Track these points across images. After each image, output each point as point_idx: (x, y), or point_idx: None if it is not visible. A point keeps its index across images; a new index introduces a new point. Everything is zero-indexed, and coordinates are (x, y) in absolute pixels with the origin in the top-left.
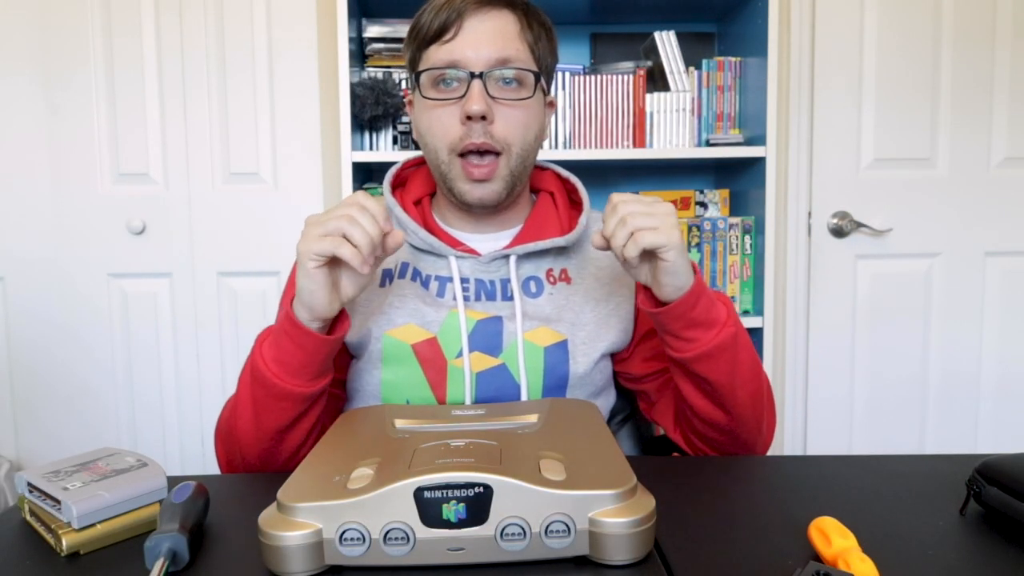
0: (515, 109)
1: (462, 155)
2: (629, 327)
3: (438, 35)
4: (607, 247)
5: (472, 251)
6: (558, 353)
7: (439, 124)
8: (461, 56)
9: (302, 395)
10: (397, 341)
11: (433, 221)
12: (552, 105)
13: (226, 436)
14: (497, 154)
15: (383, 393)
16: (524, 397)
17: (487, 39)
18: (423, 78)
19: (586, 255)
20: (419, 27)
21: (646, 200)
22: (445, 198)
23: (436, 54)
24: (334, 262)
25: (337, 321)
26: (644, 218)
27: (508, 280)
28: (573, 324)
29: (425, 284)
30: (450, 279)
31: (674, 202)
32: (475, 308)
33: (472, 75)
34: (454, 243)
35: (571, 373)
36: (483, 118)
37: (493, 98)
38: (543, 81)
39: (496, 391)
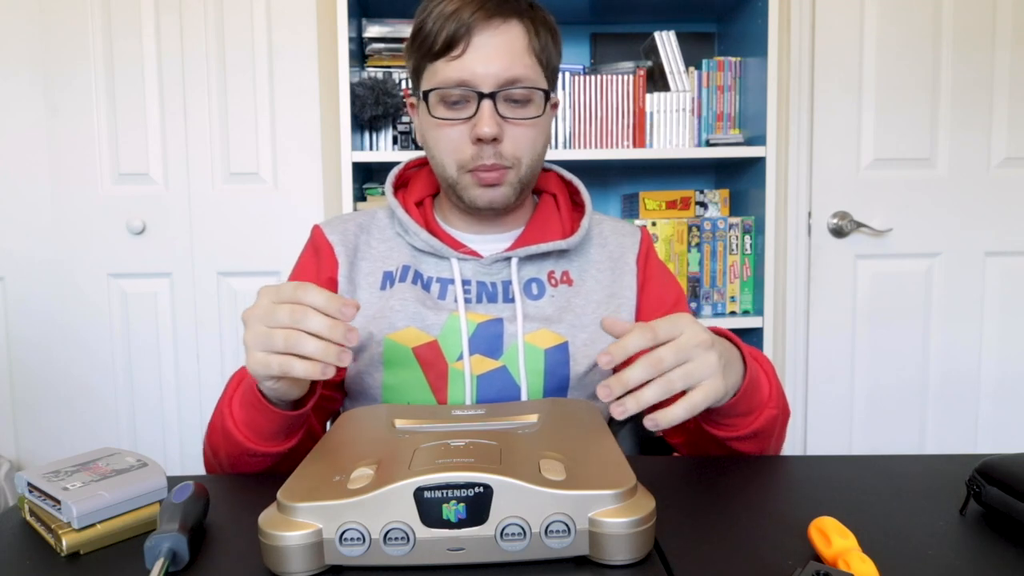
0: (525, 127)
1: (470, 170)
2: None
3: (446, 49)
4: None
5: (474, 253)
6: (559, 355)
7: (448, 142)
8: (471, 75)
9: (277, 453)
10: (398, 345)
11: (435, 222)
12: (555, 106)
13: (209, 459)
14: (507, 167)
15: (384, 396)
16: (524, 399)
17: (496, 56)
18: (431, 96)
19: (588, 257)
20: (424, 36)
21: (677, 333)
22: (450, 201)
23: (444, 71)
24: None
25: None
26: (682, 378)
27: (509, 282)
28: (574, 326)
29: (426, 287)
30: (451, 281)
31: (674, 202)
32: (476, 310)
33: (482, 95)
34: (456, 245)
35: (572, 375)
36: (494, 139)
37: (503, 117)
38: (551, 90)
39: (497, 393)
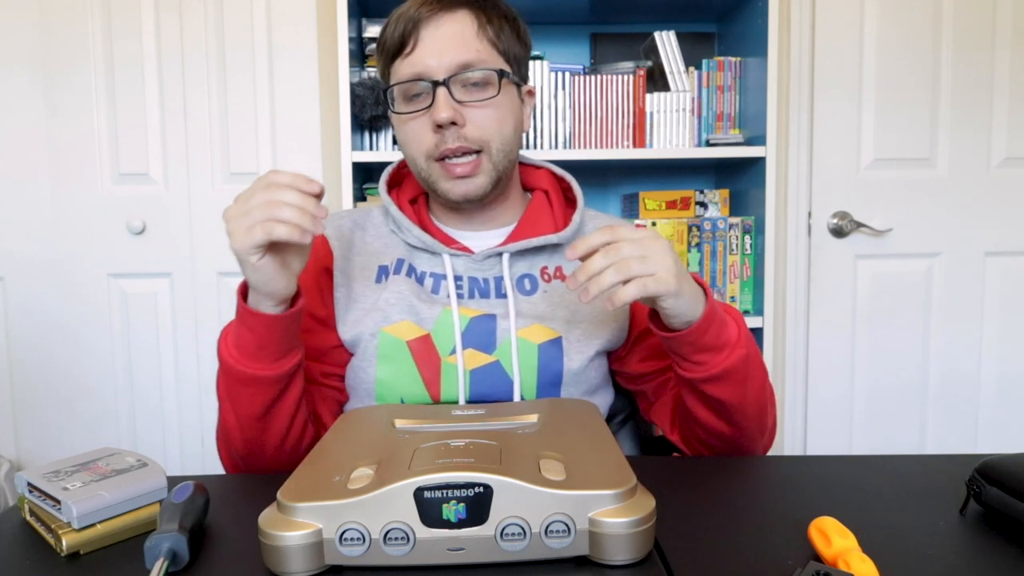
0: (485, 109)
1: (439, 159)
2: (625, 325)
3: (399, 49)
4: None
5: (466, 249)
6: (552, 350)
7: (413, 135)
8: (423, 67)
9: (268, 377)
10: (392, 338)
11: (428, 219)
12: (531, 94)
13: (220, 432)
14: (477, 152)
15: (377, 390)
16: (517, 394)
17: (445, 45)
18: (394, 94)
19: None
20: (383, 41)
21: (639, 236)
22: (433, 198)
23: (400, 68)
24: (274, 245)
25: (294, 297)
26: (638, 264)
27: (502, 278)
28: (567, 321)
29: (420, 281)
30: (444, 276)
31: (674, 202)
32: (469, 306)
33: (435, 84)
34: (448, 241)
35: (565, 370)
36: (453, 123)
37: (460, 102)
38: (513, 73)
39: (490, 388)
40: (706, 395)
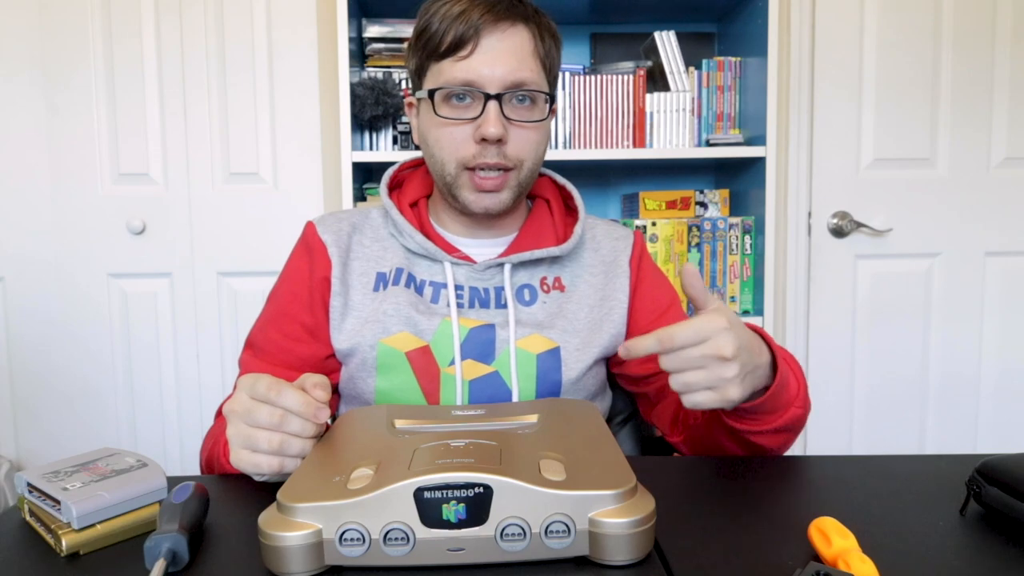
0: (529, 130)
1: (470, 168)
2: (622, 330)
3: (453, 50)
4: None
5: (467, 258)
6: (550, 360)
7: (450, 140)
8: (477, 76)
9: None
10: (392, 349)
11: (429, 224)
12: (554, 111)
13: (207, 452)
14: (508, 169)
15: (377, 401)
16: None
17: (504, 58)
18: (436, 95)
19: (581, 262)
20: (429, 36)
21: (703, 335)
22: (445, 202)
23: (451, 71)
24: None
25: None
26: (696, 375)
27: (502, 288)
28: (566, 331)
29: (419, 290)
30: (444, 285)
31: (674, 202)
32: (468, 316)
33: (488, 96)
34: (450, 249)
35: (564, 380)
36: (499, 140)
37: (507, 119)
38: (552, 95)
39: (489, 399)
40: (745, 441)
